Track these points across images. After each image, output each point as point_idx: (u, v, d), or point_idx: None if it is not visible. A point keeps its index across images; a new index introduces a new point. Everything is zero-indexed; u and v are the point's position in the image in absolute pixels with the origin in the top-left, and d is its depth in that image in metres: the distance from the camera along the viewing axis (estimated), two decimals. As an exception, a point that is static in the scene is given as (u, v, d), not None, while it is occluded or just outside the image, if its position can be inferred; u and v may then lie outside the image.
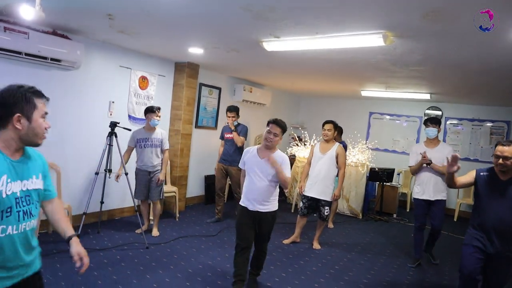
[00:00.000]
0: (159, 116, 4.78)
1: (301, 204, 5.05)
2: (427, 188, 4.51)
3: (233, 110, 5.69)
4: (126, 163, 4.79)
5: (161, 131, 4.92)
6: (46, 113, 1.70)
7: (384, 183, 7.34)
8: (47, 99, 1.72)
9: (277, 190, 3.53)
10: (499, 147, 2.90)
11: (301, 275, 4.13)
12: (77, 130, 4.87)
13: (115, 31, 4.26)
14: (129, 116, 5.51)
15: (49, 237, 4.48)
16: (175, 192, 5.79)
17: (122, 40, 4.77)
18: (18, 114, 1.60)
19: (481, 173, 3.07)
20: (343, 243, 5.42)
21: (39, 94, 1.68)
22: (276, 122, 3.40)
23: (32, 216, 1.72)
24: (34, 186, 1.73)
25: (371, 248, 5.35)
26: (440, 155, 4.41)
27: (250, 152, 3.52)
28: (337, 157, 4.83)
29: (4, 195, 1.57)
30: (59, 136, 4.67)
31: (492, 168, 3.04)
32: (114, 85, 5.25)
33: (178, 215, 5.85)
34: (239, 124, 5.77)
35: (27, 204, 1.69)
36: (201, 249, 4.63)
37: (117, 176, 4.69)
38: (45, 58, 4.15)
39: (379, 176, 7.20)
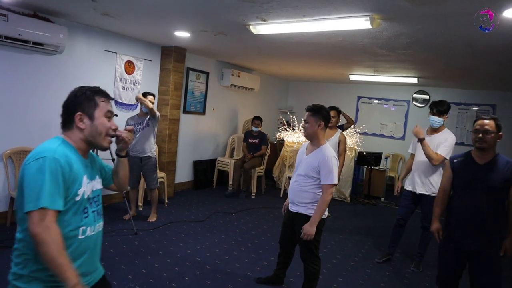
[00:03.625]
0: (152, 102, 4.74)
1: None
2: (413, 177, 4.05)
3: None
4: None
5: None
6: (111, 113, 1.65)
7: (372, 167, 7.41)
8: (111, 99, 1.67)
9: (317, 193, 2.98)
10: (479, 121, 2.61)
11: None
12: (62, 116, 4.78)
13: (99, 14, 4.15)
14: (116, 102, 5.43)
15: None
16: (163, 178, 5.77)
17: (106, 24, 4.67)
18: (79, 113, 1.56)
19: (455, 160, 2.77)
20: (331, 226, 5.47)
21: (102, 93, 1.63)
22: (307, 108, 2.99)
23: (101, 217, 1.73)
24: (99, 186, 1.73)
25: (358, 231, 5.43)
26: (437, 142, 3.88)
27: (302, 148, 3.18)
28: (339, 144, 4.83)
29: (86, 196, 1.57)
30: (44, 122, 4.59)
31: (467, 152, 2.74)
32: (99, 70, 5.15)
33: (166, 201, 5.84)
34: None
35: (97, 205, 1.68)
36: (189, 235, 4.64)
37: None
38: (26, 42, 4.03)
39: (367, 160, 7.26)
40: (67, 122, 1.60)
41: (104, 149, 1.66)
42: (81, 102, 1.58)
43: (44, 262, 1.39)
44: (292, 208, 3.11)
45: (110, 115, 1.65)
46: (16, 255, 1.49)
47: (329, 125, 4.90)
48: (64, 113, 1.61)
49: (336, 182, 2.85)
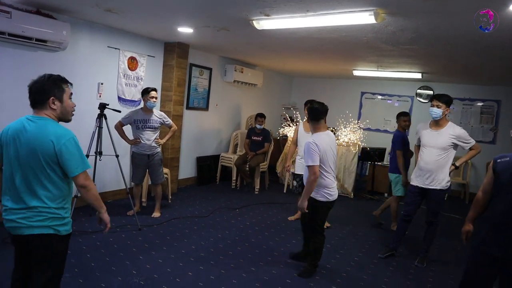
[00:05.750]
0: (155, 98, 4.71)
1: (294, 183, 5.06)
2: (422, 172, 3.95)
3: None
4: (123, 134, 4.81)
5: (158, 113, 4.90)
6: (71, 94, 2.18)
7: (376, 163, 7.39)
8: (71, 84, 2.19)
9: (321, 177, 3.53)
10: None
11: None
12: (66, 113, 4.79)
13: (101, 10, 4.15)
14: (119, 98, 5.43)
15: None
16: (167, 174, 5.78)
17: (109, 20, 4.66)
18: (52, 97, 2.07)
19: (499, 160, 2.44)
20: (335, 221, 5.47)
21: (65, 80, 2.15)
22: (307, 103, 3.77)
23: None
24: None
25: (362, 226, 5.43)
26: (444, 140, 3.83)
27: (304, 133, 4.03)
28: None
29: None
30: (47, 118, 4.59)
31: None
32: (102, 66, 5.15)
33: (170, 196, 5.86)
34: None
35: None
36: (193, 230, 4.66)
37: (135, 140, 4.74)
38: (30, 38, 4.03)
39: (370, 156, 7.24)
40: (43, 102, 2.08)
41: (69, 121, 2.21)
42: (53, 89, 2.09)
43: (89, 200, 2.21)
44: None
45: (71, 96, 2.20)
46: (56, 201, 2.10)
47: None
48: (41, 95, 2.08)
49: (310, 163, 3.36)
